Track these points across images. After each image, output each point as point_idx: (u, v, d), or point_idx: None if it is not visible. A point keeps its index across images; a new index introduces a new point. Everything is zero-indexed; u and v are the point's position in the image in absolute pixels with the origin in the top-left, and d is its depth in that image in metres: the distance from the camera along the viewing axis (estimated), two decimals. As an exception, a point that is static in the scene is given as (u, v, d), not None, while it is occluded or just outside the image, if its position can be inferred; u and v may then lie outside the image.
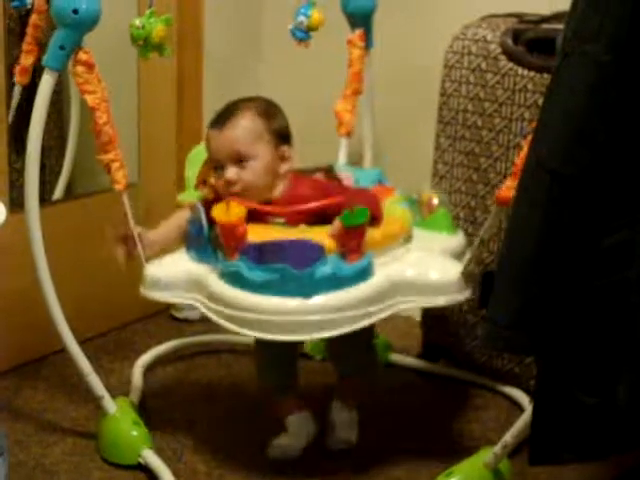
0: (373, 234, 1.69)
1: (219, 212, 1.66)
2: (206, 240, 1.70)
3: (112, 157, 1.68)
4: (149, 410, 1.96)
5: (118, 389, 1.99)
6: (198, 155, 1.86)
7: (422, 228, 1.83)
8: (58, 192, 2.33)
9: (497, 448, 1.66)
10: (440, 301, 1.71)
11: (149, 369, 2.14)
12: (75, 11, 1.59)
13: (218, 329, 2.35)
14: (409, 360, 2.21)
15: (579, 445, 1.35)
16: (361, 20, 2.05)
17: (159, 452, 1.79)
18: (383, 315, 1.68)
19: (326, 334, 1.64)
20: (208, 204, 1.72)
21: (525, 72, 1.95)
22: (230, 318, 1.65)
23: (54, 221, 2.05)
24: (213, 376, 2.17)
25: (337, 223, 1.64)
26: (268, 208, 1.72)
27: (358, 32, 2.03)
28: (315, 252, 1.63)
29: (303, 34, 1.97)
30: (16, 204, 1.96)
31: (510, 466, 1.70)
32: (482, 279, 1.79)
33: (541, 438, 1.38)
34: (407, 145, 2.40)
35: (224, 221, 1.64)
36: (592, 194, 1.25)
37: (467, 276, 1.70)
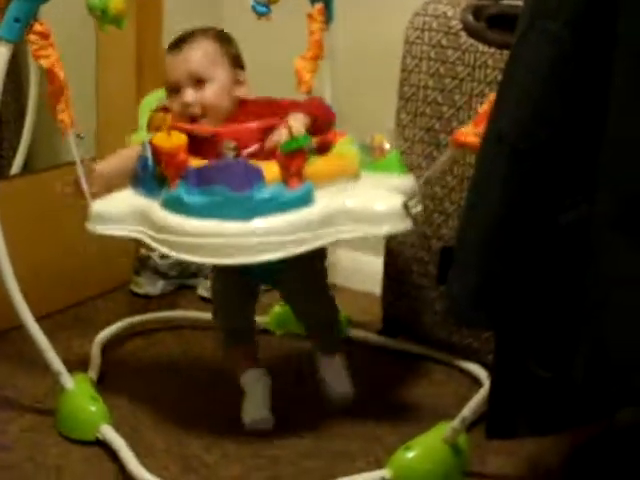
0: (318, 166, 1.70)
1: (160, 140, 1.67)
2: (151, 175, 1.71)
3: (59, 100, 1.67)
4: (107, 386, 1.95)
5: (77, 365, 1.97)
6: (149, 103, 1.87)
7: (373, 171, 1.83)
8: (16, 167, 2.31)
9: (455, 422, 1.67)
10: (380, 230, 1.71)
11: (108, 345, 2.13)
12: (30, -18, 1.57)
13: (178, 305, 2.38)
14: (369, 336, 2.21)
15: (534, 419, 1.36)
16: (321, -6, 2.05)
17: (117, 428, 1.78)
18: (324, 241, 1.68)
19: (267, 257, 1.63)
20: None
21: (485, 48, 1.95)
22: (173, 245, 1.66)
23: (11, 196, 2.03)
24: (172, 352, 2.17)
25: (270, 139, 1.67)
26: (209, 129, 1.73)
27: (318, 6, 2.02)
28: (254, 174, 1.63)
29: (264, 8, 1.96)
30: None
31: (468, 440, 1.71)
32: (441, 255, 1.80)
33: (498, 412, 1.39)
34: (368, 121, 2.39)
35: (165, 148, 1.65)
36: (550, 170, 1.25)
37: (409, 213, 1.70)
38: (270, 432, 1.81)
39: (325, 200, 1.69)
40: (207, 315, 2.24)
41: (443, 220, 2.05)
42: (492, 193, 1.28)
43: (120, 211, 1.73)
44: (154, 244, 1.69)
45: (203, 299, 2.40)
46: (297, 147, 1.64)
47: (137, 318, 2.24)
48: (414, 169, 2.07)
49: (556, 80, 1.22)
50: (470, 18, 1.97)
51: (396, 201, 1.71)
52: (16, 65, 2.24)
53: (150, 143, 1.71)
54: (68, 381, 1.80)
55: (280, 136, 1.67)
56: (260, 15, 1.96)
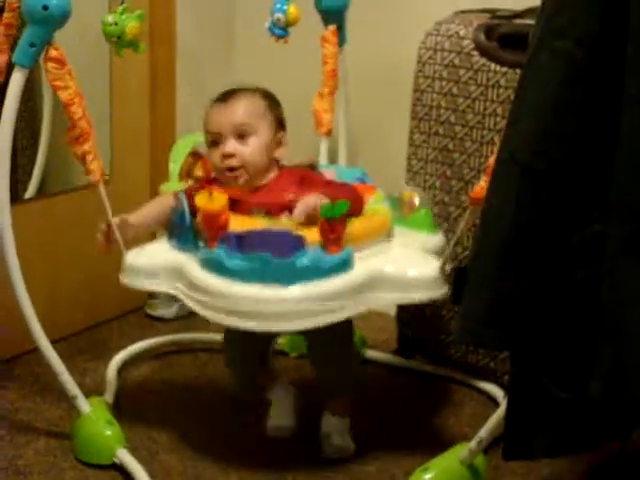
0: (354, 228, 1.68)
1: (202, 200, 1.66)
2: (188, 229, 1.71)
3: (87, 149, 1.66)
4: (123, 409, 1.95)
5: (92, 388, 1.98)
6: (182, 148, 1.87)
7: (403, 226, 1.83)
8: (30, 190, 2.32)
9: (472, 444, 1.66)
10: (416, 298, 1.71)
11: (124, 368, 2.13)
12: (45, 7, 1.58)
13: (193, 327, 2.38)
14: (384, 356, 2.21)
15: (551, 440, 1.35)
16: (334, 16, 2.05)
17: (134, 451, 1.77)
18: (360, 309, 1.68)
19: (301, 325, 1.63)
20: (190, 193, 1.72)
21: (498, 68, 1.95)
22: (208, 306, 1.65)
23: (26, 219, 2.04)
24: (188, 375, 2.16)
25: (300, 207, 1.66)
26: (248, 198, 1.73)
27: (331, 28, 2.03)
28: (295, 242, 1.63)
29: (281, 31, 1.97)
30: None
31: (485, 461, 1.70)
32: (455, 275, 1.79)
33: (515, 433, 1.38)
34: (381, 141, 2.40)
35: (207, 209, 1.65)
36: (563, 189, 1.25)
37: (443, 274, 1.70)
38: (280, 454, 1.81)
39: (363, 266, 1.67)
40: (221, 337, 2.25)
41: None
42: (506, 212, 1.28)
43: (155, 265, 1.72)
44: (188, 302, 1.68)
45: (218, 321, 2.40)
46: (337, 214, 1.63)
47: (152, 341, 2.24)
48: (428, 189, 2.07)
49: (568, 99, 1.22)
50: (482, 38, 1.97)
51: (432, 266, 1.70)
52: (30, 90, 2.25)
53: (186, 195, 1.72)
54: (84, 405, 1.80)
55: (299, 212, 1.67)
56: (278, 38, 1.96)
